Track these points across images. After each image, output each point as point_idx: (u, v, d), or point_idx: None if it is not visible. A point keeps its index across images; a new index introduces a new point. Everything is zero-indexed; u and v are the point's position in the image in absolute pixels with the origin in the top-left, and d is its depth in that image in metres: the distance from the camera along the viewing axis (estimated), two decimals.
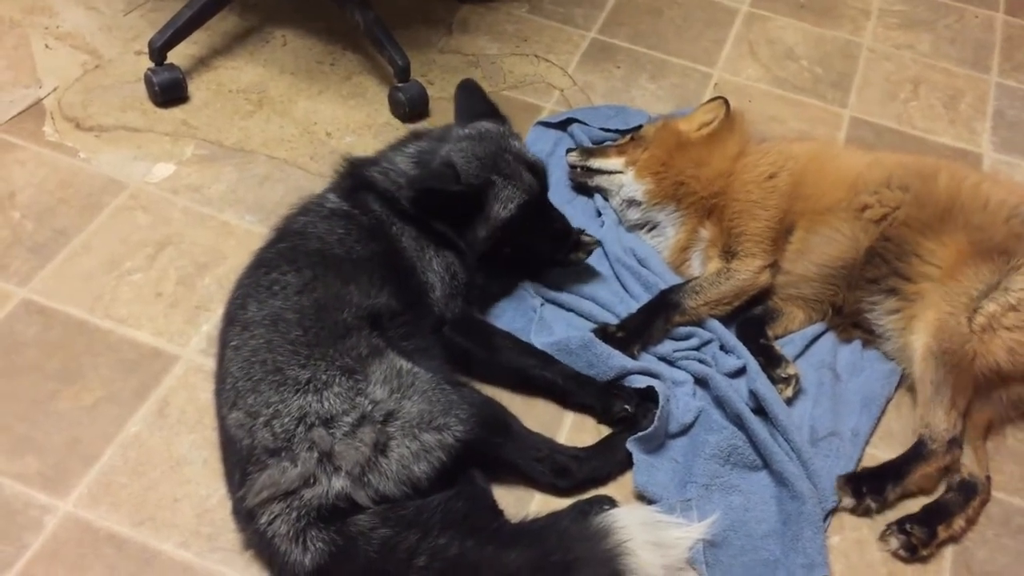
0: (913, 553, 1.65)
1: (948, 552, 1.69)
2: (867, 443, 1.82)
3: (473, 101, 1.98)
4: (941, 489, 1.76)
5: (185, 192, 2.13)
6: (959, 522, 1.70)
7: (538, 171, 1.83)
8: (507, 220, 1.77)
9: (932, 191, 1.93)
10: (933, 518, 1.69)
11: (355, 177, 1.83)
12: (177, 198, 2.12)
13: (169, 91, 2.30)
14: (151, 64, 2.30)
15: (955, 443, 1.75)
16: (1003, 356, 1.77)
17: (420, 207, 1.76)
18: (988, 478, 1.77)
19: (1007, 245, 1.85)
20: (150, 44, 2.29)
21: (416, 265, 1.78)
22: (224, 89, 2.40)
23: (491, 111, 1.95)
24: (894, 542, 1.66)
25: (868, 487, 1.71)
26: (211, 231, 2.06)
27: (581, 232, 1.97)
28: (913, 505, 1.73)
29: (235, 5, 2.55)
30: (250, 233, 2.03)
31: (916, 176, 1.96)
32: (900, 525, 1.67)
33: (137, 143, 2.23)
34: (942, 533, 1.68)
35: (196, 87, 2.39)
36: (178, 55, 2.38)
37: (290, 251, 1.71)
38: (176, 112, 2.32)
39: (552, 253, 1.86)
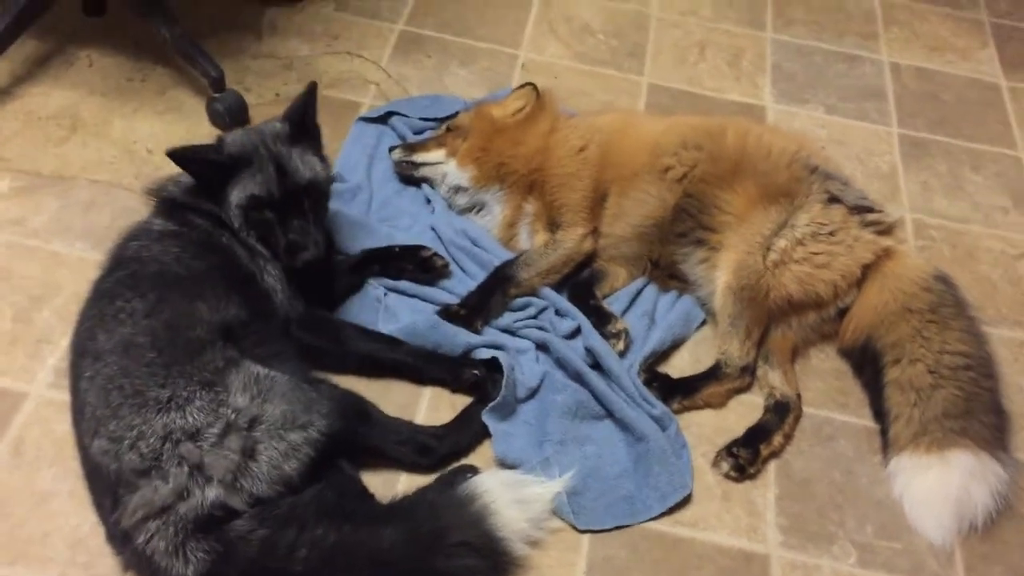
0: (742, 472, 1.86)
1: (772, 466, 1.91)
2: (657, 351, 2.03)
3: (295, 104, 2.03)
4: (759, 414, 1.98)
5: (7, 227, 2.09)
6: (778, 439, 1.92)
7: (288, 177, 1.84)
8: (238, 204, 1.82)
9: (722, 147, 2.14)
10: (755, 438, 1.90)
11: (165, 198, 1.87)
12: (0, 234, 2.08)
13: None
14: None
15: (747, 369, 2.00)
16: (794, 287, 2.00)
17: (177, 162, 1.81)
18: (799, 396, 2.01)
19: (790, 188, 2.08)
20: None
21: (254, 272, 1.83)
22: (33, 117, 2.35)
23: (293, 113, 1.96)
24: (724, 465, 1.87)
25: (661, 389, 1.95)
26: (40, 263, 2.04)
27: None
28: (738, 429, 1.94)
29: (32, 30, 2.48)
30: (83, 260, 2.02)
31: (707, 135, 2.16)
32: (728, 449, 1.88)
33: None
34: (764, 451, 1.89)
35: (3, 117, 2.33)
36: None
37: (129, 277, 1.73)
38: None
39: (287, 257, 1.86)
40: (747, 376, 2.01)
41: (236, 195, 1.82)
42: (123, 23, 2.57)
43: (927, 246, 2.43)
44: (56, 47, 2.53)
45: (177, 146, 1.80)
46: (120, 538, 1.55)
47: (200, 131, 2.38)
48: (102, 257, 1.83)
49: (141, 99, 2.44)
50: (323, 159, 1.95)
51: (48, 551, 1.60)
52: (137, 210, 1.97)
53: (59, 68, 2.48)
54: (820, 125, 2.76)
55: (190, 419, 1.56)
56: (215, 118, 2.39)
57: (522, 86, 2.32)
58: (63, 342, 1.81)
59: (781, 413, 1.96)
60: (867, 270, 2.05)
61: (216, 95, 2.37)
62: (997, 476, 1.80)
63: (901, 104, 2.86)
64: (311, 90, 1.94)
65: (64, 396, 1.72)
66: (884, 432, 1.94)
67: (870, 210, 2.11)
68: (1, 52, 2.32)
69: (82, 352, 1.67)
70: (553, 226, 2.17)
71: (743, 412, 1.99)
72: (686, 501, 1.82)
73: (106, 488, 1.57)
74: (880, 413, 1.96)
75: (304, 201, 1.86)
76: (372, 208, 2.27)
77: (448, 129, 2.31)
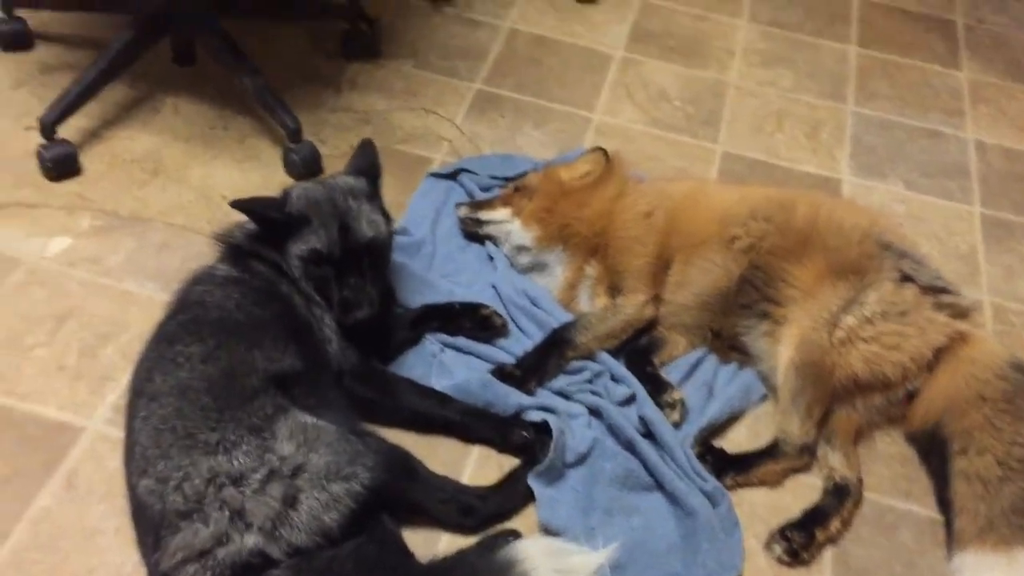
0: (795, 557, 1.79)
1: (828, 553, 1.83)
2: (713, 423, 1.99)
3: (358, 156, 2.07)
4: (818, 496, 1.90)
5: (83, 264, 2.17)
6: (835, 524, 1.84)
7: (351, 235, 1.87)
8: (298, 256, 1.86)
9: (792, 219, 2.10)
10: (810, 522, 1.83)
11: (231, 244, 1.91)
12: (75, 271, 2.15)
13: (61, 165, 2.33)
14: (42, 140, 2.33)
15: (807, 449, 1.93)
16: (860, 366, 1.93)
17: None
18: (860, 480, 1.93)
19: (861, 264, 2.02)
20: (41, 121, 2.32)
21: (311, 322, 1.85)
22: (118, 160, 2.44)
23: (365, 167, 2.02)
24: (777, 548, 1.80)
25: (715, 464, 1.90)
26: (111, 301, 2.09)
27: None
28: (794, 509, 1.87)
29: (124, 76, 2.59)
30: (152, 300, 2.07)
31: (777, 207, 2.12)
32: (781, 532, 1.81)
33: (32, 218, 2.25)
34: (820, 535, 1.82)
35: (90, 159, 2.42)
36: (70, 128, 2.41)
37: (191, 322, 1.76)
38: (71, 185, 2.35)
39: (340, 314, 1.89)
40: (806, 456, 1.94)
41: (297, 247, 1.85)
42: (210, 73, 2.66)
43: (1006, 331, 2.33)
44: (146, 93, 2.64)
45: (242, 198, 1.84)
46: None
47: (275, 179, 2.44)
48: (169, 298, 1.88)
49: (221, 146, 2.52)
50: (386, 216, 1.98)
51: None
52: (207, 254, 2.02)
53: (147, 113, 2.58)
54: (899, 200, 2.69)
55: (235, 463, 1.57)
56: (290, 168, 2.45)
57: (592, 150, 2.32)
58: (124, 379, 1.85)
59: (840, 496, 1.88)
60: (939, 354, 1.97)
61: (292, 145, 2.43)
62: None
63: (985, 183, 2.78)
64: (372, 145, 1.97)
65: (119, 433, 1.76)
66: (948, 525, 1.84)
67: (945, 291, 2.04)
68: (93, 96, 2.41)
69: (139, 392, 1.70)
70: (614, 291, 2.15)
71: (800, 492, 1.92)
72: None
73: (150, 528, 1.58)
74: (945, 504, 1.87)
75: (364, 259, 1.89)
76: (435, 263, 2.28)
77: (516, 189, 2.32)
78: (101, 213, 2.29)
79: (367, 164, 2.00)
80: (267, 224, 1.88)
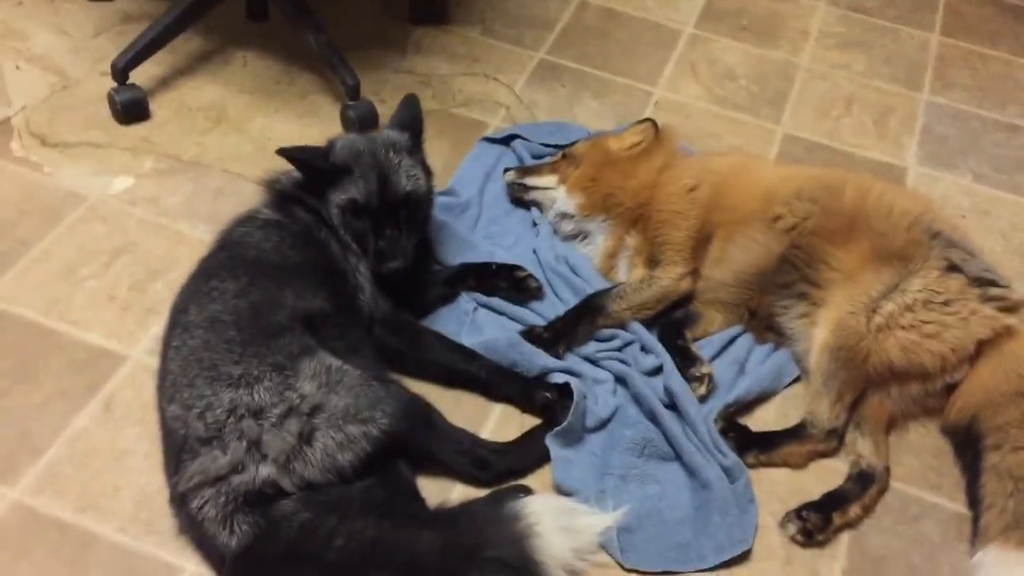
0: (809, 537, 1.76)
1: (845, 537, 1.80)
2: (740, 400, 1.96)
3: (402, 112, 2.10)
4: (841, 479, 1.87)
5: (142, 203, 2.26)
6: (855, 509, 1.81)
7: (389, 188, 1.90)
8: (337, 205, 1.90)
9: (839, 201, 2.05)
10: (829, 505, 1.80)
11: (277, 190, 1.96)
12: (134, 209, 2.24)
13: (131, 109, 2.43)
14: (113, 84, 2.43)
15: (834, 433, 1.89)
16: (897, 354, 1.88)
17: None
18: (887, 469, 1.89)
19: (907, 251, 1.97)
20: (113, 65, 2.42)
21: (345, 269, 1.90)
22: (184, 107, 2.53)
23: (408, 121, 2.05)
24: (791, 527, 1.77)
25: (737, 441, 1.88)
26: (165, 240, 2.18)
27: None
28: (816, 492, 1.84)
29: (199, 28, 2.68)
30: (202, 242, 2.12)
31: (824, 188, 2.08)
32: (797, 512, 1.79)
33: (99, 158, 2.36)
34: (837, 519, 1.79)
35: (158, 105, 2.52)
36: (142, 75, 2.51)
37: (229, 260, 1.83)
38: (138, 129, 2.45)
39: (375, 264, 1.93)
40: (833, 440, 1.91)
41: (338, 197, 1.90)
42: (281, 30, 2.73)
43: None
44: (218, 46, 2.72)
45: (288, 146, 1.89)
46: (178, 500, 1.62)
47: (332, 134, 2.47)
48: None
49: (284, 100, 2.59)
50: (427, 171, 2.01)
51: (115, 504, 1.70)
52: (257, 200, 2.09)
53: (217, 65, 2.67)
54: (965, 193, 2.61)
55: (256, 397, 1.63)
56: (347, 124, 2.50)
57: (641, 121, 2.30)
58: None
59: (864, 483, 1.84)
60: (983, 347, 1.91)
61: (351, 103, 2.48)
62: None
63: None
64: (415, 99, 2.00)
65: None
66: (975, 520, 1.79)
67: (994, 284, 1.97)
68: (163, 44, 2.51)
69: (174, 323, 1.77)
70: (653, 262, 2.14)
71: (823, 476, 1.89)
72: (744, 558, 1.74)
73: (173, 451, 1.65)
74: (974, 500, 1.82)
75: (401, 212, 1.92)
76: (479, 225, 2.30)
77: (564, 156, 2.33)
78: (164, 157, 2.39)
79: (410, 118, 2.03)
80: (310, 172, 1.93)
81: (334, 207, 1.90)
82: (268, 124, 2.52)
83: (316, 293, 1.82)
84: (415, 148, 2.00)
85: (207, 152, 2.41)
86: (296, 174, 1.97)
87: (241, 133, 2.48)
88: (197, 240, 2.17)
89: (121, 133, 2.43)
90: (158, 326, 1.97)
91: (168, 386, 1.69)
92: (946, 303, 1.92)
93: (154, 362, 1.88)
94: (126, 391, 1.88)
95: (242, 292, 1.76)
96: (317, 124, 2.53)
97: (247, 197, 2.26)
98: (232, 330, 1.70)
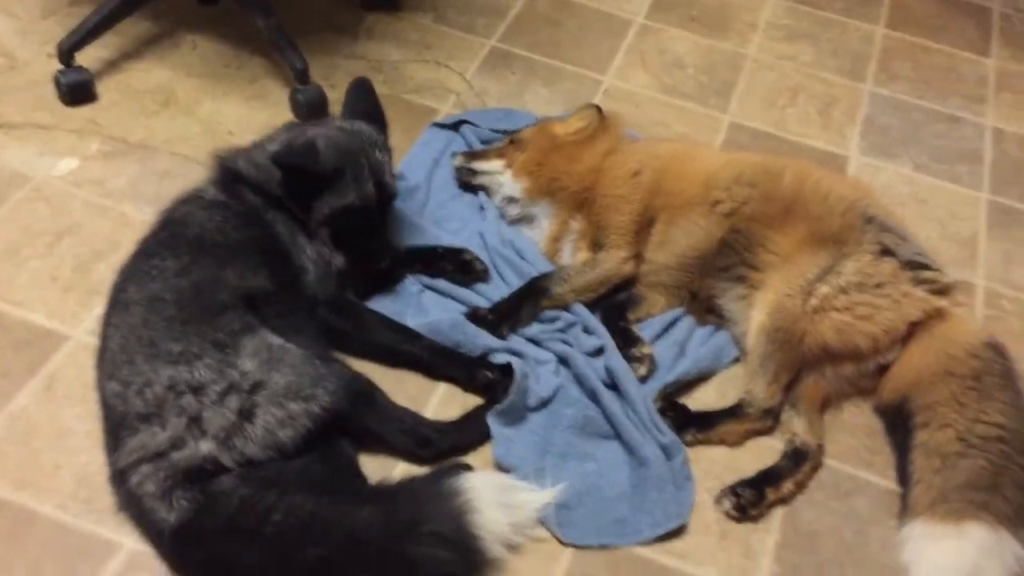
0: (743, 513, 1.81)
1: (778, 513, 1.85)
2: (680, 380, 2.00)
3: (362, 100, 2.12)
4: (777, 457, 1.91)
5: (87, 185, 2.25)
6: (788, 486, 1.85)
7: (383, 190, 1.94)
8: (333, 213, 1.91)
9: (777, 187, 2.10)
10: (763, 482, 1.84)
11: (226, 170, 1.96)
12: (79, 190, 2.23)
13: (76, 91, 2.42)
14: (60, 66, 2.41)
15: (770, 413, 1.93)
16: (831, 335, 1.93)
17: (284, 182, 1.89)
18: (820, 447, 1.93)
19: (842, 235, 2.01)
20: (59, 47, 2.40)
21: (290, 250, 1.91)
22: (132, 90, 2.52)
23: (374, 114, 2.08)
24: (726, 503, 1.82)
25: (676, 419, 1.92)
26: (110, 222, 2.17)
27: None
28: (752, 469, 1.89)
29: (148, 11, 2.67)
30: (147, 224, 2.12)
31: (763, 173, 2.12)
32: (732, 488, 1.83)
33: (44, 139, 2.34)
34: (771, 495, 1.83)
35: (105, 88, 2.50)
36: (90, 57, 2.50)
37: (170, 239, 1.83)
38: (84, 111, 2.44)
39: (363, 263, 1.97)
40: (769, 419, 1.95)
41: (332, 201, 1.90)
42: (231, 14, 2.72)
43: (996, 316, 2.30)
44: (167, 29, 2.71)
45: (283, 151, 1.89)
46: (117, 477, 1.63)
47: (281, 118, 2.44)
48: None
49: (233, 84, 2.58)
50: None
51: (55, 482, 1.70)
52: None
53: (165, 48, 2.66)
54: (905, 182, 2.66)
55: (196, 375, 1.63)
56: (296, 109, 2.50)
57: (586, 106, 2.33)
58: None
59: (797, 460, 1.89)
60: (914, 328, 1.96)
61: (300, 87, 2.48)
62: (1016, 556, 1.68)
63: (997, 170, 2.74)
64: (369, 85, 2.01)
65: None
66: (905, 496, 1.84)
67: (926, 267, 2.02)
68: (110, 26, 2.49)
69: (114, 301, 1.78)
70: (597, 246, 2.17)
71: (759, 453, 1.93)
72: (680, 532, 1.78)
73: (112, 429, 1.66)
74: (904, 476, 1.87)
75: (387, 211, 1.97)
76: (427, 209, 2.32)
77: (511, 141, 2.35)
78: (110, 139, 2.38)
79: (375, 110, 2.04)
80: (303, 178, 1.89)
81: (325, 211, 1.91)
82: (217, 107, 2.51)
83: (258, 272, 1.82)
84: (386, 142, 2.02)
85: (154, 135, 2.40)
86: (258, 156, 1.95)
87: (189, 116, 2.47)
88: (142, 222, 2.15)
89: (67, 115, 2.42)
90: (101, 307, 1.96)
91: (107, 363, 1.70)
92: (879, 286, 1.97)
93: (96, 343, 1.88)
94: (68, 371, 1.87)
95: (183, 271, 1.76)
96: (266, 108, 2.54)
97: (194, 179, 2.24)
98: (172, 308, 1.71)
